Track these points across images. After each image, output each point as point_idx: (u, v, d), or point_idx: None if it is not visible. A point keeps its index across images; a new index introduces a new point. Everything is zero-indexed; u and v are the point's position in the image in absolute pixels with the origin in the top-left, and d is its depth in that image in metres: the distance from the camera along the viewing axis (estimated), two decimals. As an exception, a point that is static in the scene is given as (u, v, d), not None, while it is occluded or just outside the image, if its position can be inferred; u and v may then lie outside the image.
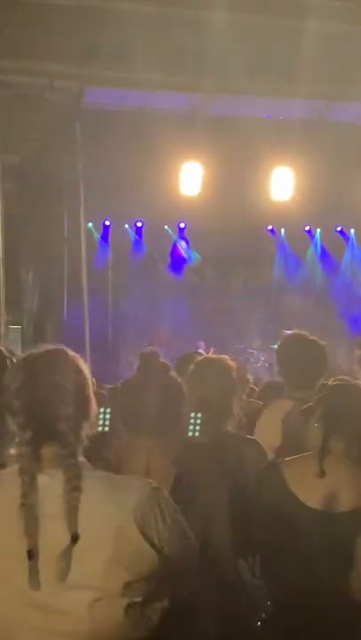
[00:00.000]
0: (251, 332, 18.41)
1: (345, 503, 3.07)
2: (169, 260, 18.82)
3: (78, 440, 2.38)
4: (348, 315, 17.87)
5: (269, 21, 11.10)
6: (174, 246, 18.82)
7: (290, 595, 3.08)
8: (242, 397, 4.69)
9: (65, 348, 2.48)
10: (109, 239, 18.21)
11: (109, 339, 17.36)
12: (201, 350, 16.10)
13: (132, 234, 18.53)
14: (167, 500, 2.40)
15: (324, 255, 19.53)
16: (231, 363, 3.78)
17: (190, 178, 13.53)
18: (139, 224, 18.34)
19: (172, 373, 3.95)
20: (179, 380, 3.89)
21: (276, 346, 4.70)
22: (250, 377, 8.35)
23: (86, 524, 2.27)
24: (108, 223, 18.06)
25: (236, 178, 13.76)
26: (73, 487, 2.28)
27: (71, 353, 2.47)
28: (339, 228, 19.03)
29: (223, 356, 3.96)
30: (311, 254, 19.59)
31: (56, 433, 2.33)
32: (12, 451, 2.36)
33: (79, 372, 2.44)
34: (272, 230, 19.01)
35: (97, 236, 18.02)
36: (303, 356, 4.31)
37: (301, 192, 13.87)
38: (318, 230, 19.16)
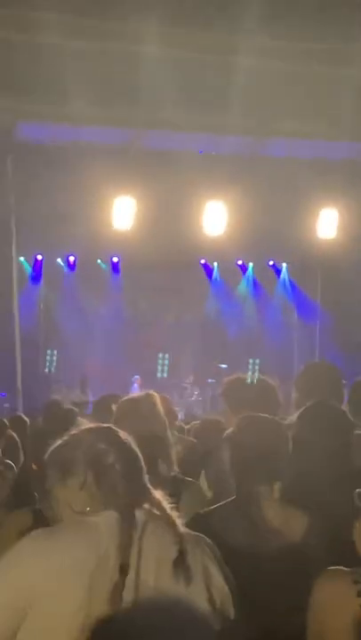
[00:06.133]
0: (184, 366, 18.39)
1: (273, 541, 3.00)
2: (102, 293, 18.74)
3: None
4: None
5: (202, 57, 11.16)
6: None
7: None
8: (173, 433, 4.58)
9: None
10: (42, 273, 18.08)
11: (42, 375, 17.14)
12: (136, 385, 16.10)
13: (64, 268, 18.42)
14: None
15: (256, 289, 19.68)
16: (155, 398, 3.67)
17: (123, 212, 13.48)
18: (71, 258, 18.24)
19: (79, 419, 3.89)
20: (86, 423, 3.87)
21: (211, 380, 4.58)
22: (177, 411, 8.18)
23: None
24: (40, 257, 17.93)
25: (168, 212, 13.77)
26: None
27: None
28: (271, 262, 19.21)
29: (147, 392, 3.85)
30: (243, 288, 19.72)
31: None
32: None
33: None
34: (205, 264, 19.10)
35: (29, 269, 17.87)
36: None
37: (234, 226, 13.92)
38: (251, 264, 19.31)
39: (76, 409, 4.19)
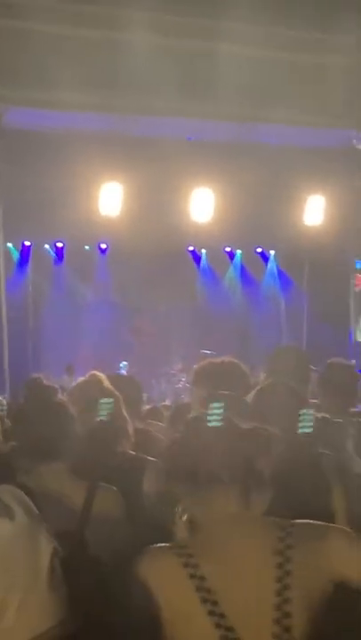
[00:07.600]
0: (173, 353, 18.41)
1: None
2: (90, 280, 18.73)
3: None
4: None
5: (190, 44, 11.17)
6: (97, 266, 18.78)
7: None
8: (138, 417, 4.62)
9: None
10: (29, 260, 18.05)
11: (29, 361, 17.13)
12: (124, 372, 16.10)
13: (52, 254, 18.39)
14: None
15: (244, 276, 19.69)
16: (99, 377, 3.79)
17: (110, 198, 13.48)
18: (59, 244, 18.21)
19: (59, 397, 3.97)
20: (65, 401, 3.95)
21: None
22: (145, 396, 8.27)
23: None
24: (27, 243, 17.88)
25: (156, 199, 13.77)
26: None
27: None
28: (259, 250, 19.20)
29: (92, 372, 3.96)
30: (231, 275, 19.73)
31: None
32: None
33: None
34: (193, 251, 19.09)
35: (16, 256, 17.83)
36: None
37: (222, 213, 13.94)
38: (239, 251, 19.31)
39: (56, 386, 4.22)
